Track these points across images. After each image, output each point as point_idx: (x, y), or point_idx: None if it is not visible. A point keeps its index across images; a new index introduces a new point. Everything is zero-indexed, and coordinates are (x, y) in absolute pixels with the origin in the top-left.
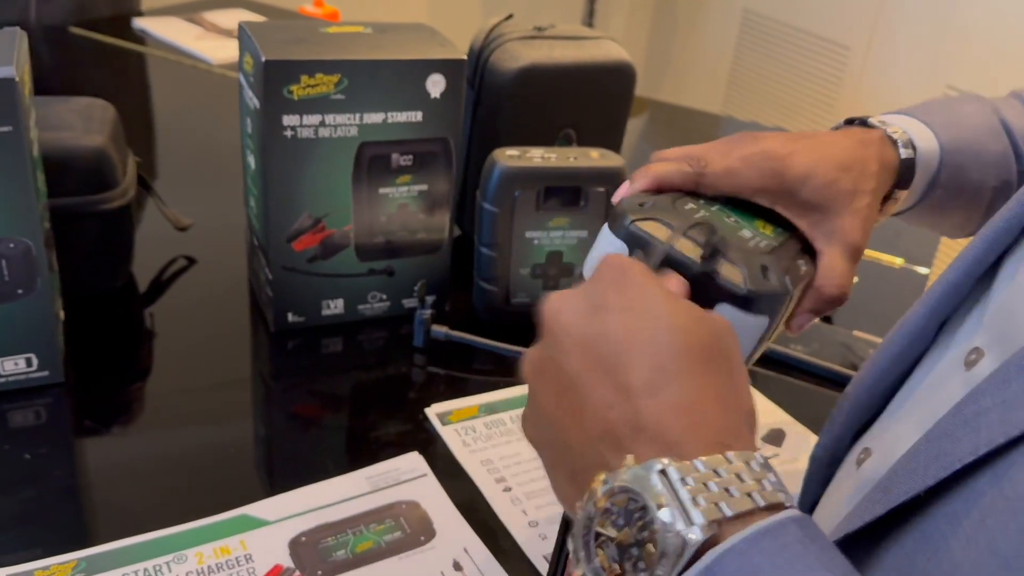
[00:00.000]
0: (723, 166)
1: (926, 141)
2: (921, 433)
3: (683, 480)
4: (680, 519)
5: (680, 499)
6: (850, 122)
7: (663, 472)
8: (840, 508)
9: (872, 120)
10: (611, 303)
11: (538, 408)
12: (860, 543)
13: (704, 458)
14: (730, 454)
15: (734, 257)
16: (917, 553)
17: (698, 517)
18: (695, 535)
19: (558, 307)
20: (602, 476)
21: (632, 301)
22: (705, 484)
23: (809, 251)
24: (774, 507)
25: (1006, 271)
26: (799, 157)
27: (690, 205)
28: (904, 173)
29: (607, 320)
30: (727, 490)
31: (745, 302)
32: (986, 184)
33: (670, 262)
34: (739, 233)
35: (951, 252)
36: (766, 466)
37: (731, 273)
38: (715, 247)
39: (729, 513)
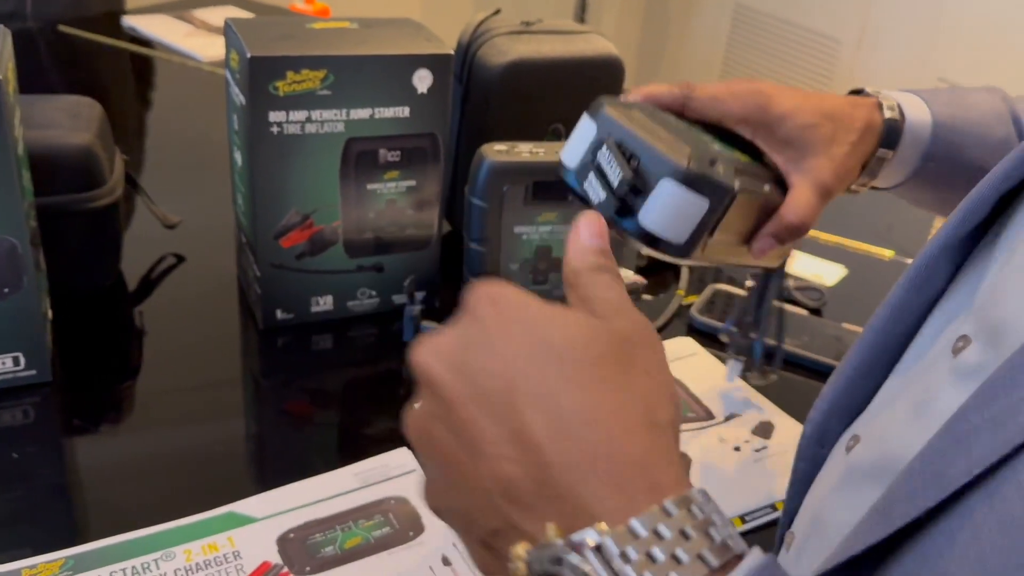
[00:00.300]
0: (710, 93)
1: (919, 113)
2: (909, 421)
3: (623, 556)
4: None
5: None
6: (854, 93)
7: (598, 548)
8: (828, 496)
9: (870, 90)
10: (484, 336)
11: (432, 474)
12: (863, 564)
13: (640, 518)
14: (668, 503)
15: (687, 142)
16: (914, 568)
17: None
18: None
19: (427, 354)
20: (522, 551)
21: (508, 326)
22: (649, 555)
23: (781, 185)
24: (728, 564)
25: (992, 253)
26: (785, 98)
27: (671, 117)
28: (888, 134)
29: (483, 356)
30: (675, 556)
31: (684, 177)
32: (987, 166)
33: (624, 144)
34: (706, 143)
35: None
36: (707, 504)
37: (676, 151)
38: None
39: None
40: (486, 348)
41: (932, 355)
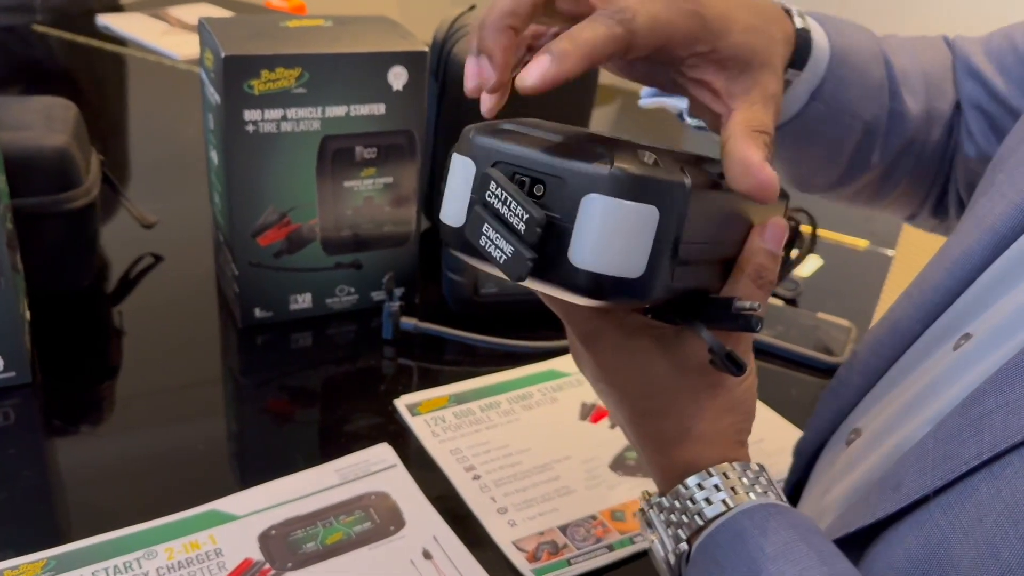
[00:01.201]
0: (650, 15)
1: (820, 37)
2: (909, 413)
3: (663, 512)
4: (668, 543)
5: (660, 532)
6: None
7: (653, 506)
8: (828, 487)
9: None
10: (598, 377)
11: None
12: (864, 536)
13: (666, 495)
14: (688, 481)
15: (599, 144)
16: (916, 542)
17: (670, 544)
18: (672, 556)
19: (576, 358)
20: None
21: (608, 376)
22: (674, 512)
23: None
24: (714, 519)
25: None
26: (709, 1)
27: (556, 124)
28: (799, 49)
29: (604, 391)
30: (674, 518)
31: (615, 185)
32: (859, 114)
33: (519, 171)
34: (622, 141)
35: (916, 234)
36: (707, 481)
37: (592, 156)
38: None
39: (686, 534)
40: (605, 391)
41: (935, 355)
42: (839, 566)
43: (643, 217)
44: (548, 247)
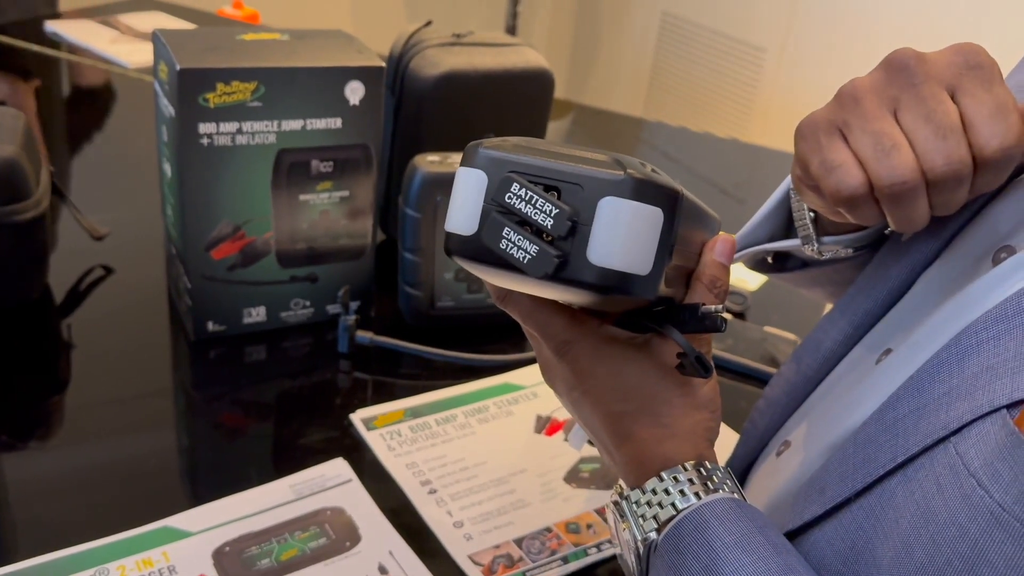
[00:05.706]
0: None
1: None
2: (834, 422)
3: (636, 504)
4: (638, 533)
5: (631, 522)
6: None
7: (626, 497)
8: (761, 497)
9: None
10: (572, 386)
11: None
12: (793, 536)
13: (642, 487)
14: (664, 474)
15: (601, 155)
16: (842, 543)
17: (638, 533)
18: (641, 546)
19: (548, 379)
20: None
21: (584, 383)
22: (648, 504)
23: None
24: (682, 511)
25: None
26: None
27: (548, 142)
28: None
29: (579, 400)
30: (647, 510)
31: (628, 189)
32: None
33: (533, 178)
34: (616, 153)
35: None
36: (681, 475)
37: (602, 165)
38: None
39: (656, 524)
40: (578, 397)
41: (858, 369)
42: (791, 558)
43: (653, 218)
44: (566, 247)
